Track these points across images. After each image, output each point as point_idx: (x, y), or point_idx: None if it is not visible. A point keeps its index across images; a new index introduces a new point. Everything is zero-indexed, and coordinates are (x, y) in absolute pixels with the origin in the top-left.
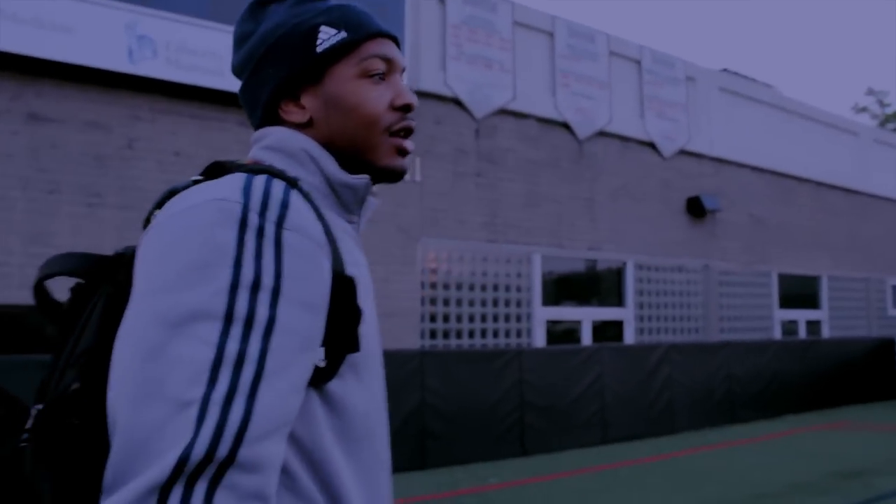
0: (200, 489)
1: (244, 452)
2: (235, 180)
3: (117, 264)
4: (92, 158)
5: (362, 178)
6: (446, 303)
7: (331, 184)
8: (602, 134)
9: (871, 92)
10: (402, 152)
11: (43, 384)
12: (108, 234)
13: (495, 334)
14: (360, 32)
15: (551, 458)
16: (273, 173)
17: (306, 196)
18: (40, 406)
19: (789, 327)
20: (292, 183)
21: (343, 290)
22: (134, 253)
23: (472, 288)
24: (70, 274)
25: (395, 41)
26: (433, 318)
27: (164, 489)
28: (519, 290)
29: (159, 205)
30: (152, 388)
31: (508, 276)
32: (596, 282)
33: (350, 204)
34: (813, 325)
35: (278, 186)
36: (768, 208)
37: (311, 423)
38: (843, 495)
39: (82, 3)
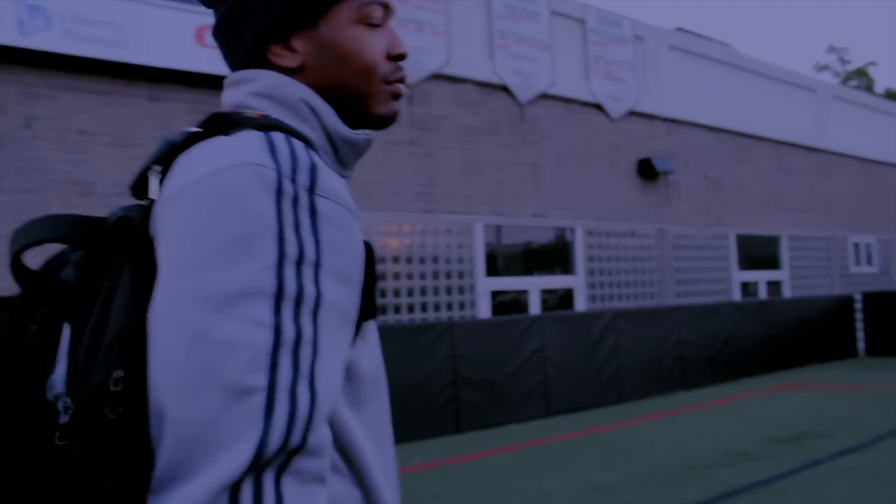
0: (269, 478)
1: (313, 437)
2: (257, 140)
3: (126, 232)
4: None
5: (363, 134)
6: (382, 277)
7: (331, 138)
8: (545, 97)
9: (832, 49)
10: (396, 97)
11: (15, 373)
12: (5, 219)
13: (436, 307)
14: None
15: (487, 435)
16: (287, 130)
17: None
18: (68, 399)
19: (750, 289)
20: (306, 140)
21: (369, 257)
22: (141, 217)
23: (409, 261)
24: (60, 241)
25: None
26: None
27: (237, 483)
28: (461, 261)
29: (159, 160)
30: (204, 376)
31: (448, 247)
32: (543, 250)
33: (347, 159)
34: (774, 286)
35: (300, 147)
36: (724, 169)
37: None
38: (778, 462)
39: None
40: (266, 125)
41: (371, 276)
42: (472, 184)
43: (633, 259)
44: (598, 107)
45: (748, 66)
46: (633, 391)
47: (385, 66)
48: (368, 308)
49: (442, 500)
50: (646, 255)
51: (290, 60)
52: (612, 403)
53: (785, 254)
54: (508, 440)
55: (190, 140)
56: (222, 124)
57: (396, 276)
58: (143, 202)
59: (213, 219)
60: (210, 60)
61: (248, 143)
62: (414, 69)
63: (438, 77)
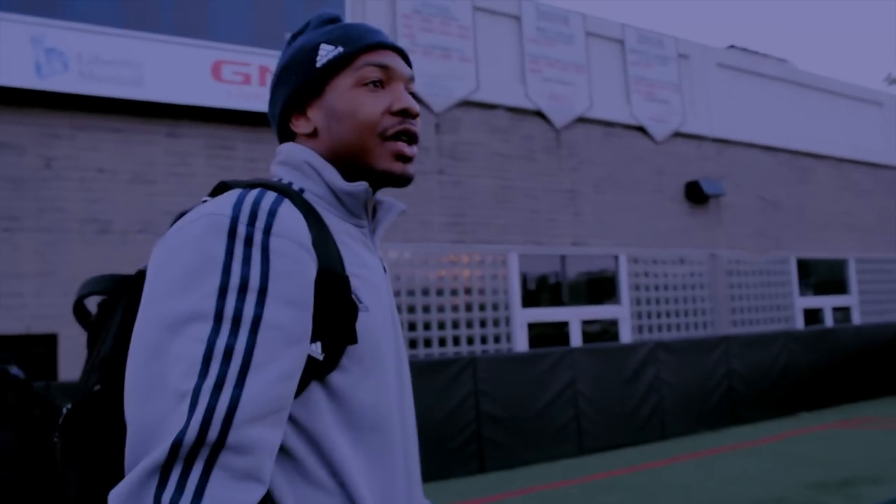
0: (197, 469)
1: (233, 435)
2: (230, 196)
3: (137, 281)
4: (6, 181)
5: (359, 185)
6: (411, 310)
7: (334, 191)
8: (582, 120)
9: None
10: (402, 157)
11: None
12: (27, 258)
13: (470, 341)
14: (355, 45)
15: (511, 475)
16: (268, 186)
17: (303, 204)
18: (69, 406)
19: (816, 317)
20: (289, 193)
21: (335, 286)
22: None
23: (440, 293)
24: (99, 293)
25: (399, 52)
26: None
27: (164, 469)
28: (495, 292)
29: (175, 223)
30: (156, 383)
31: (482, 278)
32: (585, 279)
33: (355, 209)
34: (842, 312)
35: (269, 198)
36: (782, 189)
37: (315, 412)
38: None
39: None
40: (251, 184)
41: (345, 305)
42: (504, 213)
43: (682, 287)
44: (641, 129)
45: (806, 82)
46: (675, 428)
47: (385, 122)
48: (346, 334)
49: None
50: (697, 282)
51: (304, 128)
52: (651, 441)
53: (853, 278)
54: (532, 481)
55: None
56: (221, 189)
57: (426, 308)
58: None
59: (173, 259)
60: (228, 95)
61: (220, 200)
62: (441, 97)
63: (467, 104)
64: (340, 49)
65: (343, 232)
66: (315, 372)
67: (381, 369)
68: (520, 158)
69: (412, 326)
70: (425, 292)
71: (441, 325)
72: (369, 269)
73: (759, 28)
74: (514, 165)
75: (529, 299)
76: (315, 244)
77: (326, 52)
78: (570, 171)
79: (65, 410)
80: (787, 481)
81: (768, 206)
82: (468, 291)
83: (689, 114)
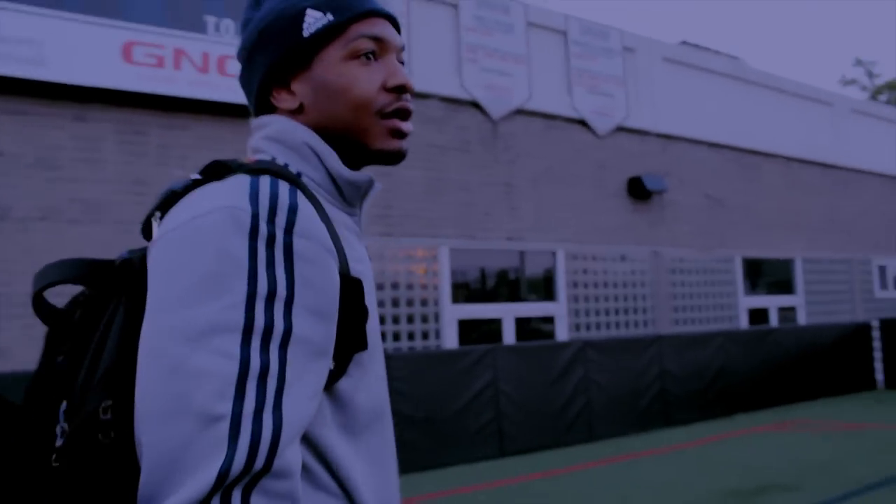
0: (237, 495)
1: (278, 462)
2: (241, 184)
3: (126, 273)
4: None
5: (364, 176)
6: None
7: (333, 179)
8: (521, 112)
9: (859, 63)
10: (398, 133)
11: (42, 399)
12: None
13: (396, 337)
14: (346, 14)
15: (425, 478)
16: (276, 172)
17: (309, 194)
18: (65, 425)
19: (760, 317)
20: (299, 183)
21: (351, 291)
22: (140, 260)
23: None
24: (73, 282)
25: (391, 20)
26: None
27: (205, 502)
28: (424, 287)
29: (160, 207)
30: (178, 404)
31: (410, 273)
32: (519, 276)
33: (353, 198)
34: (787, 312)
35: (284, 189)
36: (729, 187)
37: (321, 422)
38: None
39: None
40: (257, 170)
41: (358, 310)
42: (436, 205)
43: (623, 285)
44: (583, 123)
45: (756, 80)
46: (604, 429)
47: (381, 99)
48: (357, 340)
49: None
50: (638, 279)
51: (289, 103)
52: (578, 443)
53: (799, 278)
54: (448, 484)
55: (190, 187)
56: (219, 171)
57: None
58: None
59: (189, 259)
60: (140, 78)
61: (231, 188)
62: None
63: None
64: (330, 17)
65: (342, 224)
66: (326, 382)
67: (376, 366)
68: (454, 150)
69: None
70: None
71: None
72: (365, 263)
73: (712, 25)
74: (447, 157)
75: (461, 296)
76: (330, 237)
77: (315, 20)
78: (507, 163)
79: (60, 430)
80: (702, 488)
81: (713, 204)
82: (395, 286)
83: (634, 108)
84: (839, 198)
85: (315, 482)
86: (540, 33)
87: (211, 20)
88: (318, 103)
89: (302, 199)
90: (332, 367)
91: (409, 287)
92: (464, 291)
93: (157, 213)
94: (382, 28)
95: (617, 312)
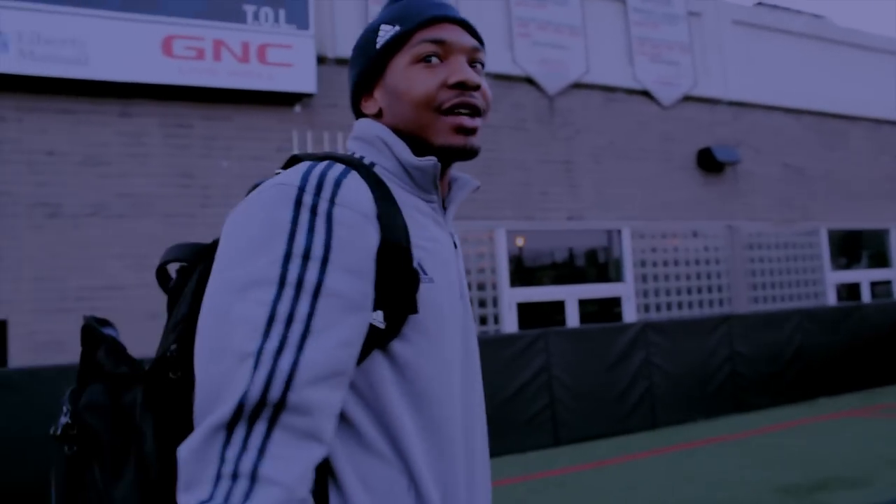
0: (260, 427)
1: (293, 396)
2: (299, 168)
3: (212, 249)
4: None
5: (428, 160)
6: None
7: (403, 166)
8: (578, 86)
9: None
10: (462, 129)
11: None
12: None
13: None
14: (410, 23)
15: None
16: (336, 159)
17: (372, 177)
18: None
19: (851, 293)
20: (357, 166)
21: (397, 256)
22: None
23: None
24: (178, 260)
25: (460, 23)
26: None
27: (230, 426)
28: (482, 271)
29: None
30: (221, 344)
31: (467, 256)
32: (581, 256)
33: (424, 184)
34: (881, 287)
35: (336, 169)
36: (810, 155)
37: (376, 380)
38: None
39: None
40: (321, 157)
41: (404, 274)
42: (492, 186)
43: (695, 262)
44: (646, 94)
45: (840, 38)
46: (667, 416)
47: (441, 96)
48: (406, 303)
49: None
50: (712, 256)
51: (370, 108)
52: (641, 430)
53: None
54: (498, 474)
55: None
56: (289, 163)
57: None
58: None
59: (243, 227)
60: (181, 71)
61: (290, 171)
62: None
63: None
64: (398, 28)
65: (412, 206)
66: (377, 340)
67: (446, 343)
68: (508, 128)
69: None
70: None
71: None
72: (438, 242)
73: None
74: (501, 136)
75: (522, 278)
76: (381, 216)
77: (385, 33)
78: (564, 140)
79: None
80: (757, 481)
81: (793, 174)
82: None
83: (702, 76)
84: None
85: (366, 444)
86: (596, 3)
87: (250, 9)
88: (391, 106)
89: (352, 177)
90: (381, 326)
91: (467, 272)
92: (522, 274)
93: None
94: (447, 32)
95: (689, 292)
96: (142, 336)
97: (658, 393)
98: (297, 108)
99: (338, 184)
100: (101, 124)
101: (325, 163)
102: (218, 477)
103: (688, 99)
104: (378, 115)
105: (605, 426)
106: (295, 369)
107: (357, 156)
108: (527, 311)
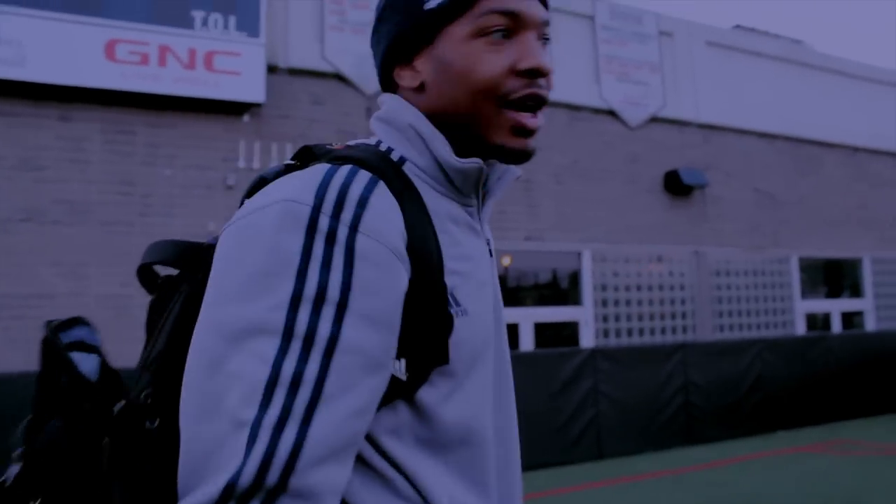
0: None
1: (295, 481)
2: (314, 175)
3: (202, 257)
4: None
5: (473, 163)
6: None
7: (441, 166)
8: None
9: None
10: (521, 131)
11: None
12: None
13: None
14: None
15: None
16: (361, 161)
17: (401, 182)
18: (121, 404)
19: (820, 322)
20: (385, 173)
21: (427, 299)
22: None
23: None
24: (162, 263)
25: None
26: None
27: None
28: None
29: (248, 195)
30: (211, 403)
31: None
32: (538, 277)
33: (464, 188)
34: (853, 318)
35: (360, 181)
36: (783, 181)
37: (397, 430)
38: None
39: None
40: (341, 157)
41: (439, 319)
42: None
43: (659, 288)
44: (613, 113)
45: (817, 63)
46: (614, 446)
47: (508, 83)
48: (436, 352)
49: None
50: (677, 282)
51: (409, 80)
52: (585, 460)
53: (868, 279)
54: None
55: (280, 174)
56: (305, 158)
57: None
58: None
59: (241, 254)
60: (124, 76)
61: (302, 179)
62: (374, 78)
63: None
64: None
65: (445, 215)
66: (397, 392)
67: (476, 378)
68: None
69: None
70: None
71: None
72: (473, 260)
73: (777, 9)
74: None
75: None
76: (411, 245)
77: None
78: None
79: (117, 409)
80: None
81: (764, 199)
82: None
83: (672, 96)
84: None
85: (395, 491)
86: (563, 19)
87: (199, 15)
88: (438, 84)
89: (379, 192)
90: (403, 378)
91: None
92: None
93: (247, 202)
94: (519, 1)
95: (652, 318)
96: None
97: (605, 422)
98: (246, 118)
99: (362, 203)
100: (39, 128)
101: (346, 168)
102: None
103: (656, 120)
104: (417, 90)
105: (547, 455)
106: (299, 449)
107: (383, 147)
108: None
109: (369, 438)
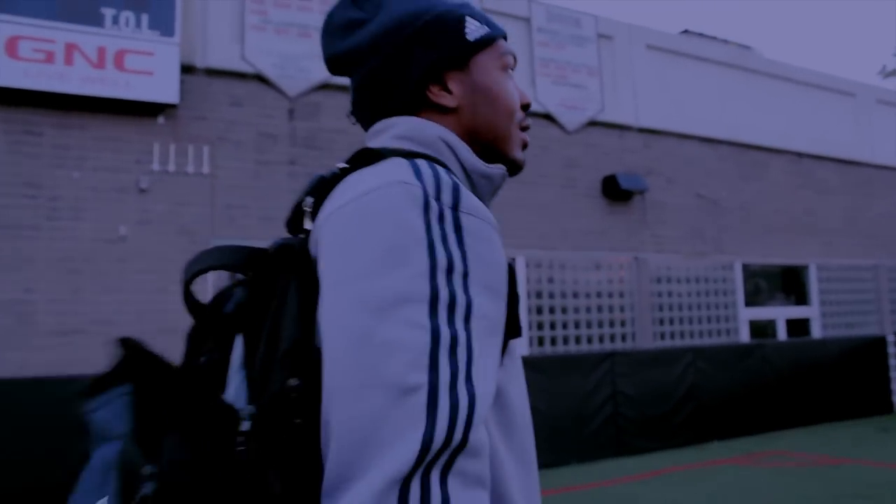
0: (435, 478)
1: (473, 438)
2: (403, 165)
3: (289, 256)
4: None
5: (498, 168)
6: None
7: (467, 173)
8: None
9: None
10: (524, 147)
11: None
12: None
13: None
14: (497, 30)
15: None
16: (427, 158)
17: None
18: (250, 407)
19: (767, 331)
20: (446, 167)
21: (511, 273)
22: (300, 243)
23: None
24: (227, 268)
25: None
26: None
27: (405, 481)
28: None
29: (312, 192)
30: (367, 377)
31: None
32: None
33: (485, 194)
34: (798, 325)
35: (443, 170)
36: (726, 186)
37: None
38: None
39: None
40: (411, 153)
41: (513, 295)
42: None
43: (597, 295)
44: (549, 117)
45: (763, 69)
46: (538, 458)
47: (519, 112)
48: (512, 326)
49: None
50: (615, 289)
51: (448, 100)
52: None
53: (814, 286)
54: None
55: (340, 175)
56: (369, 158)
57: None
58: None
59: (368, 231)
60: (27, 74)
61: (396, 166)
62: (297, 79)
63: (328, 87)
64: (487, 29)
65: None
66: None
67: (519, 359)
68: None
69: None
70: None
71: None
72: None
73: (730, 16)
74: None
75: None
76: None
77: (476, 28)
78: None
79: (245, 413)
80: None
81: (707, 205)
82: None
83: (611, 100)
84: (861, 197)
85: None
86: (498, 20)
87: (109, 12)
88: (475, 105)
89: (458, 180)
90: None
91: None
92: None
93: (309, 200)
94: (511, 49)
95: (589, 326)
96: None
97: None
98: (161, 120)
99: (456, 187)
100: None
101: (424, 161)
102: None
103: (594, 124)
104: (451, 111)
105: None
106: (474, 405)
107: None
108: None
109: None
